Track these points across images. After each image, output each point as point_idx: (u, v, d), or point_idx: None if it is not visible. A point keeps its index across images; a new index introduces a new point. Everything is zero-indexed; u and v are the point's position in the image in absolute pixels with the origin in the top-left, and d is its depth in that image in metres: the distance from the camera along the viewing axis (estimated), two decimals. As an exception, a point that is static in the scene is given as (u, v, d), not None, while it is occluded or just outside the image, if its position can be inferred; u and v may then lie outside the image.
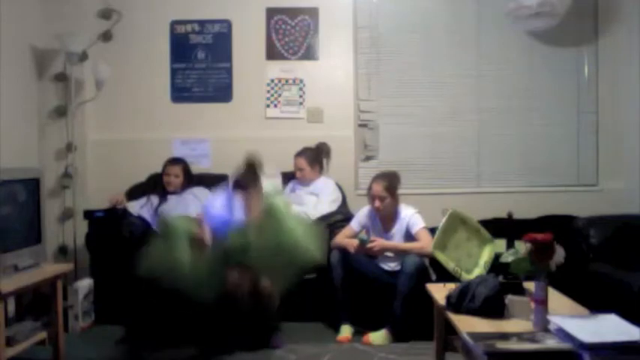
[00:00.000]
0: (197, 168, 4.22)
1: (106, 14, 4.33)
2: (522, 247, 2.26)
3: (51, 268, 3.16)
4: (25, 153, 3.99)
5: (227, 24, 4.50)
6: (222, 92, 4.51)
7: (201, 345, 3.35)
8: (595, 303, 2.48)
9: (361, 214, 3.64)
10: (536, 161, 4.60)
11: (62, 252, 4.13)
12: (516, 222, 3.49)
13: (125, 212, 3.85)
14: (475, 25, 4.58)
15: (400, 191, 3.57)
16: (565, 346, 1.95)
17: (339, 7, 4.50)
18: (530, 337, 2.04)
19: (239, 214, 3.14)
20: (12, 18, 3.80)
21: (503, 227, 3.39)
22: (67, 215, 4.15)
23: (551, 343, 1.99)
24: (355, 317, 3.48)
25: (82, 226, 3.99)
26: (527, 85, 4.60)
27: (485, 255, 3.33)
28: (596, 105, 4.60)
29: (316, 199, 3.98)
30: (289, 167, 4.13)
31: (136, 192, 4.09)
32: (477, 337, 2.05)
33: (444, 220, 3.33)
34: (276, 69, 4.50)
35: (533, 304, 2.18)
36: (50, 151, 4.18)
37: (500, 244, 3.20)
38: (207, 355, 3.23)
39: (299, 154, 4.10)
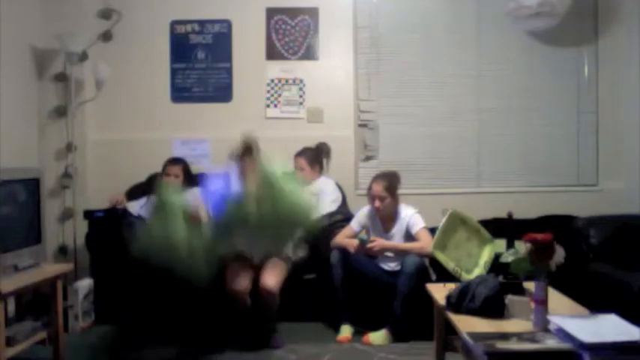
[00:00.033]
0: (197, 168, 4.21)
1: (106, 14, 4.33)
2: (522, 247, 2.26)
3: (51, 268, 3.16)
4: (25, 153, 3.99)
5: (227, 24, 4.50)
6: (222, 92, 4.51)
7: (197, 344, 3.35)
8: (595, 303, 2.48)
9: (361, 214, 3.64)
10: (536, 161, 4.60)
11: (62, 252, 4.13)
12: (516, 222, 3.49)
13: (125, 212, 3.85)
14: (475, 25, 4.59)
15: (400, 191, 3.57)
16: (565, 346, 1.95)
17: (339, 7, 4.50)
18: (530, 337, 2.04)
19: (237, 186, 3.12)
20: (12, 18, 3.80)
21: (503, 227, 3.39)
22: (67, 215, 4.15)
23: (551, 343, 1.99)
24: (355, 317, 3.47)
25: (82, 226, 3.99)
26: (527, 85, 4.60)
27: (485, 255, 3.33)
28: (596, 105, 4.60)
29: (316, 199, 3.98)
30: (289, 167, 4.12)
31: (136, 192, 4.09)
32: (477, 337, 2.05)
33: (444, 220, 3.33)
34: (276, 69, 4.50)
35: (533, 304, 2.18)
36: (50, 151, 4.18)
37: (500, 244, 3.21)
38: (204, 354, 3.23)
39: (299, 154, 4.10)
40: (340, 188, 4.18)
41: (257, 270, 3.36)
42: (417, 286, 3.08)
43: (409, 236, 3.49)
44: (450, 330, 2.45)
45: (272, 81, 4.50)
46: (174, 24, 4.50)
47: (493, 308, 2.30)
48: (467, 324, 2.21)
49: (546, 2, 4.10)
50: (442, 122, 4.58)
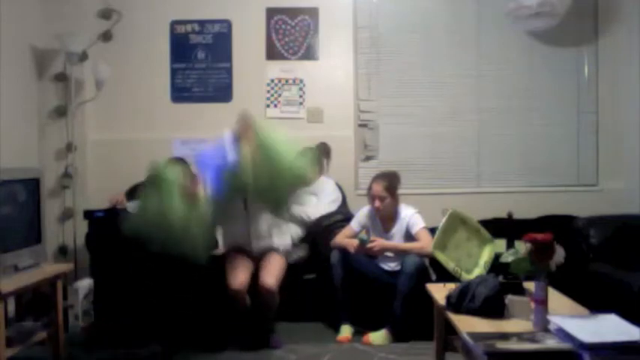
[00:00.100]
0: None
1: (106, 14, 4.33)
2: (522, 247, 2.26)
3: (51, 268, 3.17)
4: (25, 153, 3.99)
5: (227, 24, 4.50)
6: (222, 92, 4.51)
7: (196, 344, 3.35)
8: (595, 303, 2.48)
9: (361, 214, 3.64)
10: (536, 161, 4.60)
11: (62, 252, 4.13)
12: (516, 222, 3.49)
13: (125, 212, 3.84)
14: (475, 25, 4.59)
15: (400, 191, 3.57)
16: (565, 346, 1.95)
17: (339, 7, 4.50)
18: (530, 337, 2.04)
19: (232, 155, 3.11)
20: (12, 18, 3.80)
21: (503, 227, 3.39)
22: (67, 215, 4.16)
23: (551, 343, 1.99)
24: (355, 317, 3.47)
25: (82, 226, 3.98)
26: (527, 85, 4.60)
27: (485, 255, 3.32)
28: (596, 105, 4.60)
29: (316, 199, 3.98)
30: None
31: (135, 192, 4.08)
32: (477, 337, 2.05)
33: (444, 220, 3.33)
34: (276, 69, 4.50)
35: (533, 304, 2.18)
36: (50, 151, 4.18)
37: (500, 244, 3.21)
38: (204, 353, 3.23)
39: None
40: (340, 188, 4.18)
41: (256, 262, 3.37)
42: (417, 286, 3.08)
43: (409, 236, 3.49)
44: (450, 330, 2.46)
45: (272, 81, 4.50)
46: (174, 24, 4.50)
47: (493, 308, 2.30)
48: (467, 324, 2.21)
49: (546, 2, 4.10)
50: (442, 122, 4.58)
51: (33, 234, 3.10)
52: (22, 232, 3.03)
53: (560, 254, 2.21)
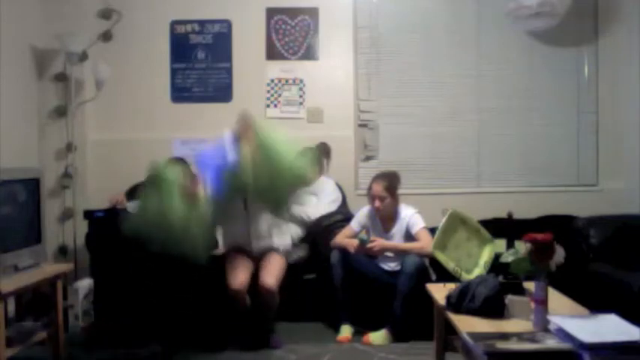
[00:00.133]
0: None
1: (106, 14, 4.33)
2: (522, 247, 2.26)
3: (51, 268, 3.17)
4: (25, 153, 3.99)
5: (227, 24, 4.50)
6: (222, 92, 4.51)
7: (197, 344, 3.35)
8: (595, 303, 2.48)
9: (361, 214, 3.64)
10: (536, 161, 4.60)
11: (62, 252, 4.13)
12: (516, 222, 3.49)
13: (125, 212, 3.84)
14: (475, 25, 4.59)
15: (400, 191, 3.57)
16: (565, 346, 1.95)
17: (339, 7, 4.50)
18: (530, 337, 2.04)
19: (232, 155, 3.11)
20: (12, 18, 3.80)
21: (503, 227, 3.39)
22: (67, 215, 4.16)
23: (551, 343, 1.99)
24: (355, 317, 3.47)
25: (82, 226, 3.98)
26: (527, 85, 4.60)
27: (485, 255, 3.32)
28: (596, 105, 4.60)
29: (316, 199, 3.98)
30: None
31: (135, 192, 4.08)
32: (477, 337, 2.05)
33: (444, 220, 3.33)
34: (276, 69, 4.50)
35: (533, 304, 2.18)
36: (50, 151, 4.18)
37: (500, 244, 3.21)
38: (204, 353, 3.23)
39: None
40: (340, 188, 4.18)
41: (256, 262, 3.37)
42: (417, 286, 3.08)
43: (409, 236, 3.49)
44: (450, 330, 2.46)
45: (272, 81, 4.50)
46: (174, 24, 4.50)
47: (493, 308, 2.30)
48: (467, 324, 2.21)
49: (546, 2, 4.10)
50: (442, 122, 4.58)
51: (33, 234, 3.10)
52: (22, 232, 3.03)
53: (560, 254, 2.21)
